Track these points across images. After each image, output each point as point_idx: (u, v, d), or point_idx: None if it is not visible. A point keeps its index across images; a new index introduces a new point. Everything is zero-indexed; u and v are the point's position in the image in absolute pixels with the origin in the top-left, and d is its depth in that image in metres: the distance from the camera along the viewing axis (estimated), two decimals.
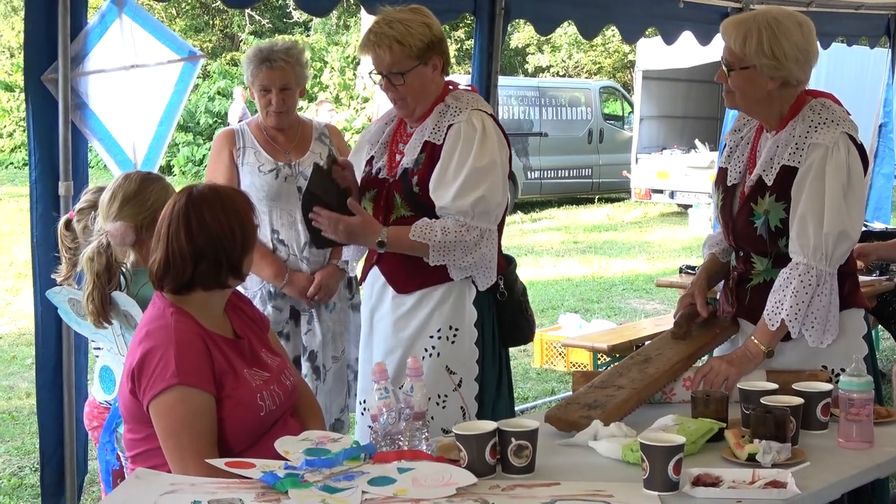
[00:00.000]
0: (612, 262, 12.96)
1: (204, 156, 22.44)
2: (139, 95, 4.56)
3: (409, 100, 3.57)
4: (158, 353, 2.80)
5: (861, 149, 3.22)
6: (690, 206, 16.57)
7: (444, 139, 3.54)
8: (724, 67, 3.29)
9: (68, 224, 3.67)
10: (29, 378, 7.58)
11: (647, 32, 7.25)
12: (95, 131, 4.51)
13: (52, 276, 3.93)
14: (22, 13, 30.47)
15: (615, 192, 19.71)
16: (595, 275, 12.10)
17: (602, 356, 6.74)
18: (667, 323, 6.79)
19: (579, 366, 7.50)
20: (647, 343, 6.08)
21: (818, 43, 3.30)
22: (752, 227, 3.26)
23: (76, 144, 4.45)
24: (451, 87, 3.68)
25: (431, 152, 3.55)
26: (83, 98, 4.46)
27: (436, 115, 3.59)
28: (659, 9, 6.84)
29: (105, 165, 4.73)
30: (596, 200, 19.69)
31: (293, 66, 4.40)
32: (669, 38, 7.14)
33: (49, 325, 4.51)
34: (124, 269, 3.48)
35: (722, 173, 3.44)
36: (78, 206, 3.76)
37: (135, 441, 2.94)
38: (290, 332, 4.50)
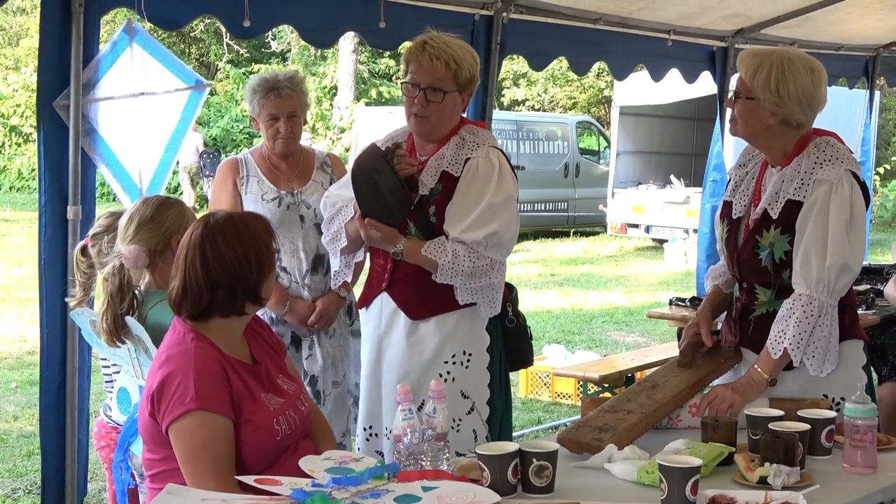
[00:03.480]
0: (591, 294, 13.06)
1: (174, 184, 22.40)
2: (147, 122, 4.60)
3: (434, 120, 3.65)
4: (178, 378, 2.85)
5: (864, 186, 3.35)
6: (666, 240, 16.75)
7: (462, 171, 3.63)
8: (732, 94, 3.41)
9: (84, 250, 3.73)
10: (14, 401, 7.60)
11: (634, 69, 7.37)
12: (104, 157, 4.56)
13: (67, 300, 3.99)
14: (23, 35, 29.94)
15: (591, 225, 19.86)
16: (574, 307, 12.20)
17: (592, 386, 6.82)
18: (652, 354, 6.97)
19: (564, 396, 7.58)
20: (637, 374, 6.24)
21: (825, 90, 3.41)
22: (757, 259, 3.37)
23: (85, 170, 4.51)
24: (464, 122, 3.78)
25: (448, 184, 3.63)
26: (93, 124, 4.51)
27: (453, 147, 3.69)
28: (649, 46, 6.96)
29: (112, 191, 4.79)
30: (572, 234, 19.81)
31: (298, 94, 4.50)
32: (657, 75, 7.27)
33: (54, 347, 4.53)
34: (137, 291, 3.54)
35: (727, 206, 3.55)
36: (92, 230, 3.82)
37: (153, 461, 2.99)
38: (292, 358, 4.55)
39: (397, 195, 3.58)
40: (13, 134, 26.99)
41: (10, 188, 25.29)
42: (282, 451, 2.99)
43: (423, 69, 3.61)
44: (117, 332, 3.47)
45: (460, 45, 3.68)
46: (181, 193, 21.63)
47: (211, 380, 2.87)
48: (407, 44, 4.16)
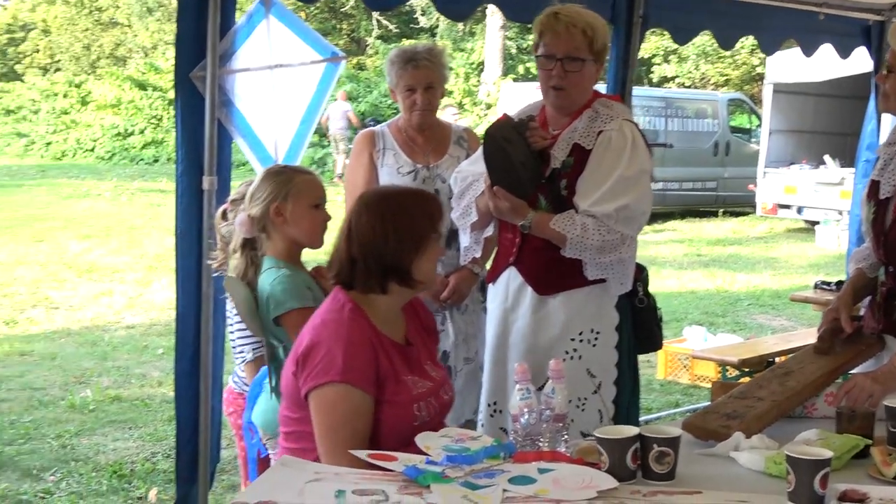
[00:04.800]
0: (738, 276, 12.77)
1: (323, 157, 22.79)
2: (282, 94, 4.63)
3: (573, 91, 3.57)
4: (327, 346, 2.85)
5: None
6: (818, 222, 16.23)
7: (595, 144, 3.54)
8: (885, 69, 3.23)
9: (224, 214, 3.81)
10: (160, 367, 7.81)
11: (784, 45, 7.09)
12: (240, 128, 4.60)
13: (208, 262, 4.07)
14: (156, 14, 31.52)
15: (740, 205, 19.38)
16: (720, 288, 11.94)
17: (731, 370, 6.63)
18: (797, 339, 6.74)
19: (704, 379, 7.40)
20: (777, 359, 6.03)
21: None
22: None
23: (221, 140, 4.56)
24: (598, 95, 3.69)
25: (580, 156, 3.55)
26: (229, 96, 4.55)
27: (585, 119, 3.60)
28: (799, 21, 6.68)
29: (247, 161, 4.84)
30: (720, 213, 19.41)
31: (436, 65, 4.47)
32: (808, 51, 6.99)
33: (188, 314, 4.61)
34: (259, 257, 3.61)
35: (874, 186, 3.38)
36: (231, 196, 3.93)
37: (290, 419, 3.00)
38: None
39: (528, 167, 3.53)
40: (172, 107, 27.83)
41: (168, 160, 26.02)
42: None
43: (559, 39, 3.52)
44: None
45: (592, 13, 3.59)
46: (334, 162, 22.07)
47: (360, 354, 2.86)
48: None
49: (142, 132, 28.29)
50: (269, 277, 3.49)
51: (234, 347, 4.08)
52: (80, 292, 11.02)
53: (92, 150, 28.58)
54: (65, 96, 31.37)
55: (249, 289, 3.56)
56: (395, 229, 2.94)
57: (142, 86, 29.32)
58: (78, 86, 31.88)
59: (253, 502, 2.36)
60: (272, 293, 3.46)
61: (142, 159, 27.34)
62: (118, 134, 28.51)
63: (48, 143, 29.79)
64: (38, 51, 39.65)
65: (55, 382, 7.54)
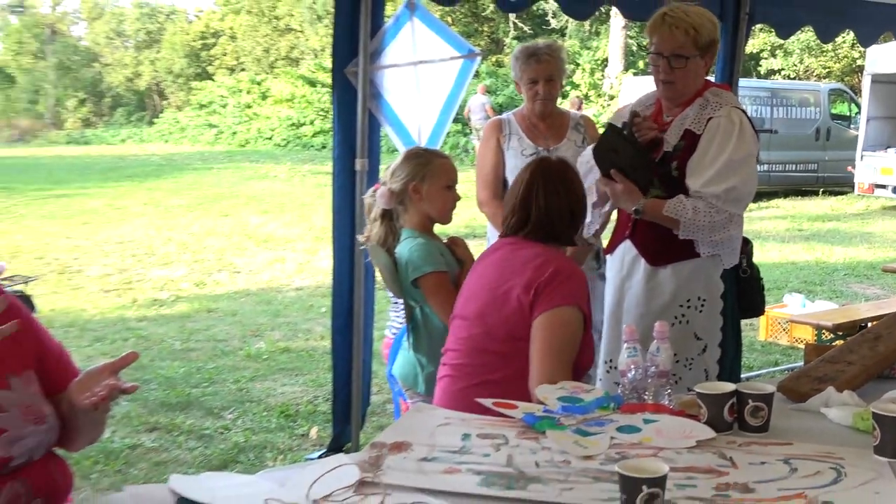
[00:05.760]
0: (835, 249, 12.29)
1: (465, 144, 22.81)
2: (425, 87, 4.62)
3: (680, 84, 3.48)
4: (565, 274, 2.85)
5: None
6: None
7: (704, 129, 3.44)
8: None
9: (375, 192, 3.82)
10: (323, 323, 7.92)
11: (881, 38, 6.75)
12: (388, 117, 4.62)
13: (358, 236, 4.09)
14: (325, 21, 31.92)
15: (839, 185, 18.68)
16: (818, 260, 11.52)
17: (826, 333, 6.39)
18: (888, 306, 6.44)
19: (801, 341, 7.15)
20: (869, 324, 5.78)
21: None
22: None
23: (371, 128, 4.58)
24: (709, 85, 3.58)
25: (691, 141, 3.45)
26: (378, 89, 4.57)
27: (696, 107, 3.50)
28: (893, 15, 6.37)
29: (394, 147, 4.85)
30: (820, 193, 18.74)
31: (556, 59, 4.40)
32: None
33: (344, 280, 4.67)
34: (397, 228, 3.60)
35: None
36: (382, 177, 3.92)
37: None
38: None
39: (637, 167, 3.46)
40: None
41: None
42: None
43: (665, 40, 3.43)
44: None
45: (698, 11, 3.46)
46: (474, 148, 22.09)
47: (585, 286, 2.86)
48: None
49: (311, 123, 28.79)
50: (408, 245, 3.49)
51: (395, 302, 4.11)
52: (257, 259, 11.26)
53: (270, 138, 29.24)
54: (248, 92, 32.16)
55: (389, 255, 3.56)
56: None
57: (312, 83, 29.82)
58: (259, 83, 32.64)
59: (390, 442, 2.36)
60: (410, 258, 3.46)
61: (311, 146, 27.84)
62: (292, 124, 29.09)
63: (234, 133, 30.61)
64: (225, 54, 40.66)
65: (235, 335, 7.73)
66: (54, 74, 41.10)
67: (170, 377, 6.42)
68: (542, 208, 2.99)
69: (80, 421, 2.28)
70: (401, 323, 3.73)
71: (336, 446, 4.78)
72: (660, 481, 1.91)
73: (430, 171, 3.54)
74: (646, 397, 2.61)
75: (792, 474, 2.20)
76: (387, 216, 3.61)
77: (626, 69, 24.96)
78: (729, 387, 2.54)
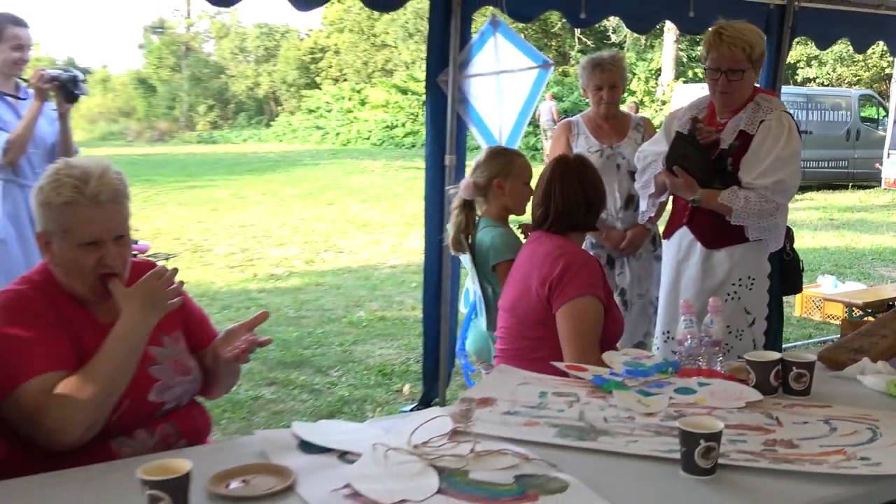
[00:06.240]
0: (863, 236, 11.91)
1: (535, 143, 22.60)
2: (505, 93, 4.59)
3: (736, 94, 3.42)
4: (576, 267, 2.79)
5: None
6: None
7: (757, 130, 3.38)
8: None
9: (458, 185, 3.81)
10: (413, 296, 7.95)
11: None
12: (473, 119, 4.60)
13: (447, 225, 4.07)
14: (415, 38, 31.87)
15: (867, 180, 18.09)
16: (847, 246, 11.17)
17: (856, 310, 6.21)
18: None
19: (833, 317, 6.96)
20: None
21: None
22: None
23: (458, 129, 4.57)
24: (757, 91, 3.51)
25: (745, 140, 3.40)
26: (465, 94, 4.55)
27: (749, 111, 3.44)
28: None
29: (478, 145, 4.83)
30: (849, 187, 18.16)
31: (618, 69, 4.34)
32: None
33: (433, 260, 4.68)
34: (476, 217, 3.58)
35: None
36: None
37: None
38: (606, 274, 4.43)
39: (702, 168, 3.42)
40: (425, 107, 28.27)
41: (422, 145, 26.43)
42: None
43: (723, 56, 3.36)
44: (459, 244, 3.56)
45: (749, 28, 3.38)
46: (542, 147, 21.91)
47: (598, 273, 2.82)
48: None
49: (403, 125, 28.84)
50: (490, 232, 3.46)
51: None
52: (357, 241, 11.32)
53: (367, 138, 29.37)
54: (349, 99, 32.33)
55: (467, 242, 3.54)
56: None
57: (403, 91, 29.85)
58: (358, 91, 32.80)
59: (478, 398, 2.36)
60: (493, 244, 3.43)
61: (402, 145, 27.89)
62: (386, 127, 29.16)
63: (337, 133, 30.82)
64: (331, 66, 40.90)
65: (339, 305, 7.78)
66: (188, 84, 41.87)
67: (285, 340, 6.50)
68: (560, 201, 2.91)
69: (222, 371, 2.33)
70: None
71: (425, 401, 4.80)
72: (716, 436, 1.88)
73: (514, 169, 3.51)
74: (700, 363, 2.57)
75: (832, 433, 2.15)
76: (466, 206, 3.57)
77: (677, 78, 24.51)
78: (775, 355, 2.49)
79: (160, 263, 2.33)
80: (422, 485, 1.81)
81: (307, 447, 2.03)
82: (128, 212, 2.19)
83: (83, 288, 2.15)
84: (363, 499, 1.75)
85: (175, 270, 2.17)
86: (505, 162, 3.52)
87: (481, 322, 3.53)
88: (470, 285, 3.71)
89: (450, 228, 3.60)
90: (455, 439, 2.05)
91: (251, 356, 2.23)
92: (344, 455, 1.98)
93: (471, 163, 3.74)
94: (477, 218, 3.59)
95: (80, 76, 4.18)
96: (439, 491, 1.79)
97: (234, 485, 1.83)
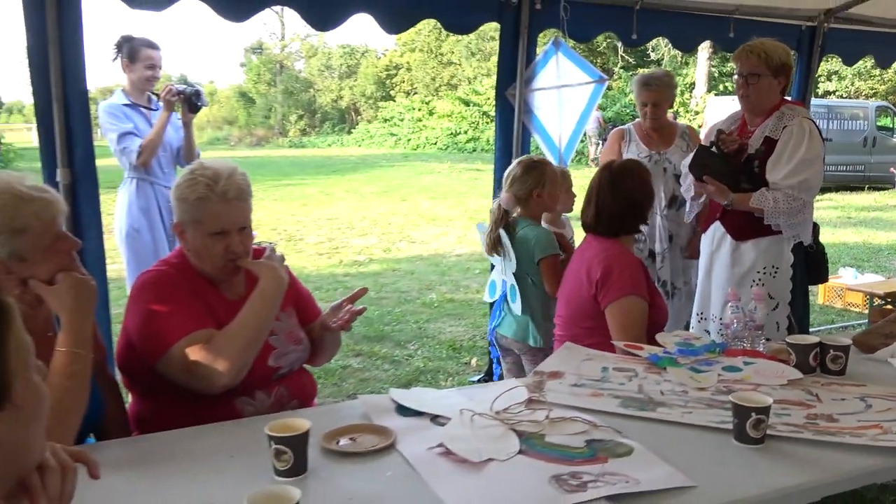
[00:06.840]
0: (879, 233, 11.51)
1: (581, 148, 22.32)
2: (565, 105, 4.54)
3: (754, 97, 3.35)
4: (619, 269, 2.73)
5: None
6: None
7: (781, 135, 3.30)
8: None
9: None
10: (478, 281, 7.95)
11: None
12: (537, 128, 4.56)
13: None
14: (476, 56, 31.61)
15: (882, 183, 17.49)
16: (865, 241, 10.81)
17: (877, 299, 6.01)
18: None
19: (853, 305, 6.75)
20: None
21: None
22: None
23: (524, 136, 4.54)
24: (785, 101, 3.42)
25: (770, 145, 3.33)
26: (530, 107, 4.51)
27: (774, 119, 3.36)
28: None
29: (540, 151, 4.79)
30: (866, 188, 17.57)
31: (664, 88, 4.26)
32: None
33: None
34: (511, 217, 3.50)
35: None
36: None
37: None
38: (648, 267, 4.36)
39: (725, 173, 3.35)
40: (484, 116, 28.21)
41: (482, 150, 26.40)
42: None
43: (743, 62, 3.33)
44: (493, 245, 3.50)
45: (772, 42, 3.33)
46: (588, 151, 21.67)
47: (638, 272, 2.76)
48: None
49: (465, 132, 28.78)
50: (535, 230, 3.38)
51: None
52: (428, 232, 11.34)
53: (435, 143, 29.38)
54: (418, 110, 32.37)
55: (500, 242, 3.49)
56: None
57: (466, 103, 29.78)
58: (427, 103, 32.81)
59: (548, 371, 2.35)
60: (539, 240, 3.37)
61: (465, 150, 27.84)
62: (451, 134, 29.14)
63: (409, 140, 30.90)
64: (403, 81, 40.99)
65: (413, 288, 7.79)
66: (281, 97, 42.39)
67: (368, 317, 6.54)
68: (607, 206, 2.83)
69: (327, 342, 2.36)
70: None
71: (490, 372, 4.78)
72: (765, 410, 1.84)
73: (548, 178, 3.45)
74: (744, 344, 2.52)
75: (868, 409, 2.09)
76: (505, 214, 3.48)
77: (709, 91, 23.99)
78: (813, 339, 2.43)
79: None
80: (505, 446, 1.81)
81: (403, 410, 2.04)
82: (250, 207, 2.23)
83: (213, 269, 2.20)
84: (454, 456, 1.76)
85: (283, 256, 2.22)
86: (539, 174, 3.45)
87: (516, 307, 3.46)
88: (497, 278, 3.66)
89: (486, 236, 3.51)
90: (531, 406, 2.05)
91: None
92: (435, 418, 1.99)
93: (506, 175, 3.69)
94: (514, 218, 3.52)
95: (202, 90, 4.26)
96: (520, 452, 1.79)
97: (343, 442, 1.86)
